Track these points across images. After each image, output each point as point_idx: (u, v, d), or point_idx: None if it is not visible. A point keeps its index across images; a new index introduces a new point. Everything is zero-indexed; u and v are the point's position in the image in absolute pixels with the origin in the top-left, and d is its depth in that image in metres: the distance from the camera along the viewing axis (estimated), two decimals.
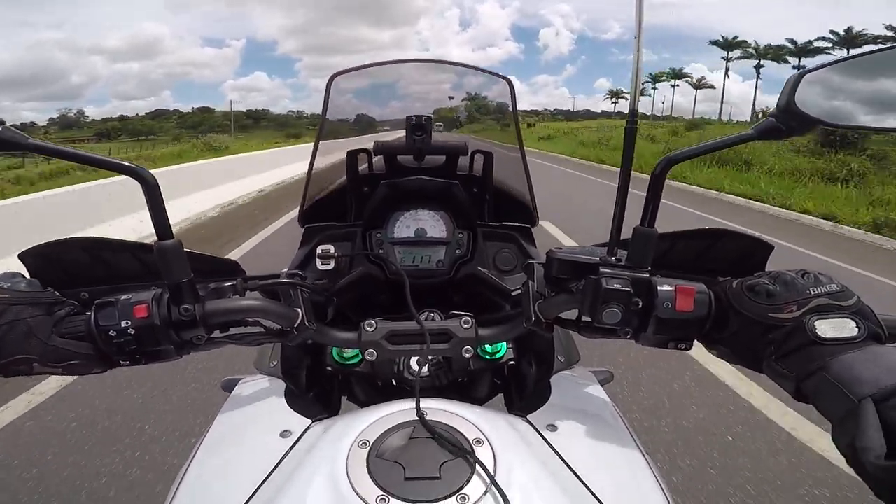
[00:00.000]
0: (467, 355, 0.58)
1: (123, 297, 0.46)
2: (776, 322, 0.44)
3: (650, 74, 66.94)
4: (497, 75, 0.79)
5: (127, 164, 0.44)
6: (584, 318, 0.53)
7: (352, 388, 0.79)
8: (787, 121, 0.46)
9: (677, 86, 70.47)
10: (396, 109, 0.88)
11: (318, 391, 0.72)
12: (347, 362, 0.72)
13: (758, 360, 0.46)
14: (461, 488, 0.39)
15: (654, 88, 71.35)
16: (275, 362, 0.69)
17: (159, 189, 0.44)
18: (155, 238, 0.46)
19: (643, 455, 0.51)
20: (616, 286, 0.47)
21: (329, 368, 0.73)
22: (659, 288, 0.48)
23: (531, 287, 0.56)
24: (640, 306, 0.48)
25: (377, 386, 0.75)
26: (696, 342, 0.52)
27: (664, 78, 69.55)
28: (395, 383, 0.72)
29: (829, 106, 0.49)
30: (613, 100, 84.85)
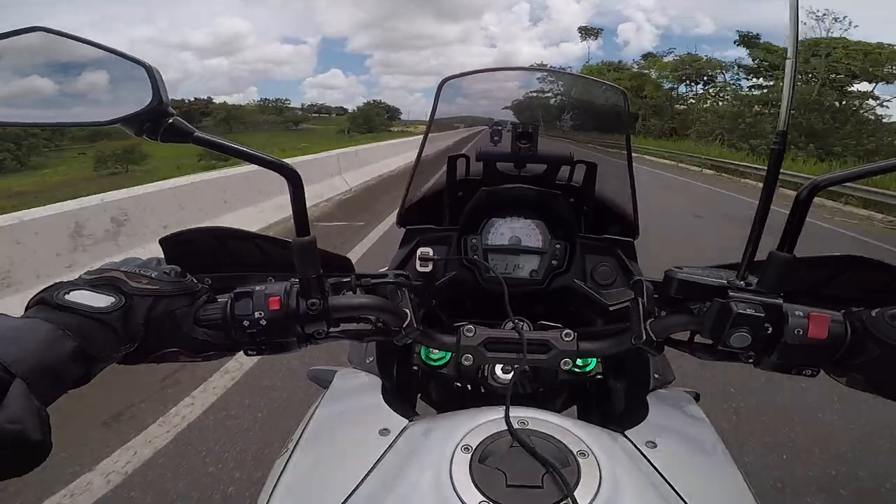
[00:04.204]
0: (566, 367, 0.58)
1: (258, 287, 0.48)
2: None
3: None
4: (612, 86, 0.77)
5: (276, 160, 0.46)
6: (697, 340, 0.52)
7: (427, 388, 0.80)
8: None
9: None
10: (498, 112, 0.89)
11: (401, 389, 0.74)
12: (433, 363, 0.73)
13: None
14: (564, 498, 0.39)
15: None
16: (370, 358, 0.71)
17: (302, 185, 0.46)
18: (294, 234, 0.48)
19: (744, 478, 0.50)
20: (748, 311, 0.45)
21: (415, 368, 0.75)
22: (791, 314, 0.46)
23: (641, 304, 0.54)
24: (769, 331, 0.46)
25: (452, 389, 0.76)
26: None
27: None
28: (469, 388, 0.72)
29: None
30: None
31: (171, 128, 0.42)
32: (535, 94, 0.87)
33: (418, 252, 0.72)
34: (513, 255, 0.77)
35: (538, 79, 0.87)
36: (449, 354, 0.72)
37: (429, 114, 0.76)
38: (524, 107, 0.86)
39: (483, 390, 0.71)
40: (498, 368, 0.70)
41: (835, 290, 0.57)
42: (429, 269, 0.72)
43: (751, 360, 0.50)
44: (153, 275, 0.46)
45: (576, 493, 0.39)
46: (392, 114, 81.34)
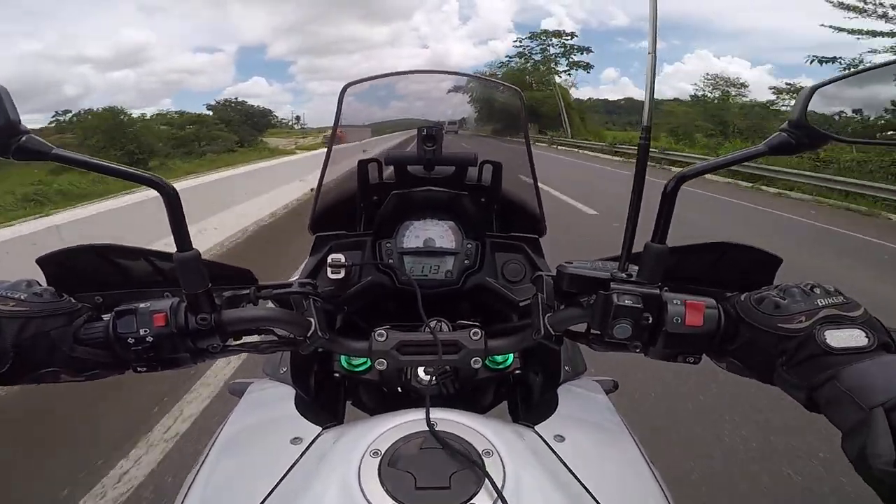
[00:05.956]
0: (476, 366, 0.59)
1: (142, 305, 0.47)
2: (785, 332, 0.44)
3: None
4: (507, 86, 0.79)
5: (147, 175, 0.44)
6: (593, 332, 0.54)
7: (358, 394, 0.79)
8: (798, 136, 0.46)
9: None
10: (406, 117, 0.89)
11: (325, 397, 0.73)
12: (356, 369, 0.72)
13: (768, 372, 0.46)
14: (470, 498, 0.39)
15: None
16: (284, 368, 0.69)
17: (179, 200, 0.44)
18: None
19: (649, 466, 0.52)
20: (627, 302, 0.47)
21: (336, 375, 0.74)
22: (669, 303, 0.48)
23: (540, 299, 0.56)
24: (650, 321, 0.48)
25: (383, 393, 0.75)
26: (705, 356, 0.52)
27: None
28: (400, 391, 0.72)
29: (841, 120, 0.49)
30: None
31: (24, 146, 0.41)
32: (441, 97, 0.89)
33: (329, 259, 0.71)
34: (428, 257, 0.78)
35: (444, 81, 0.88)
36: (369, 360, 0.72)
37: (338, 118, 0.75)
38: (431, 109, 0.87)
39: (411, 393, 0.71)
40: (420, 370, 0.70)
41: (716, 275, 0.60)
42: (341, 275, 0.71)
43: (638, 350, 0.51)
44: (22, 297, 0.45)
45: (481, 492, 0.40)
46: (259, 119, 45.88)
